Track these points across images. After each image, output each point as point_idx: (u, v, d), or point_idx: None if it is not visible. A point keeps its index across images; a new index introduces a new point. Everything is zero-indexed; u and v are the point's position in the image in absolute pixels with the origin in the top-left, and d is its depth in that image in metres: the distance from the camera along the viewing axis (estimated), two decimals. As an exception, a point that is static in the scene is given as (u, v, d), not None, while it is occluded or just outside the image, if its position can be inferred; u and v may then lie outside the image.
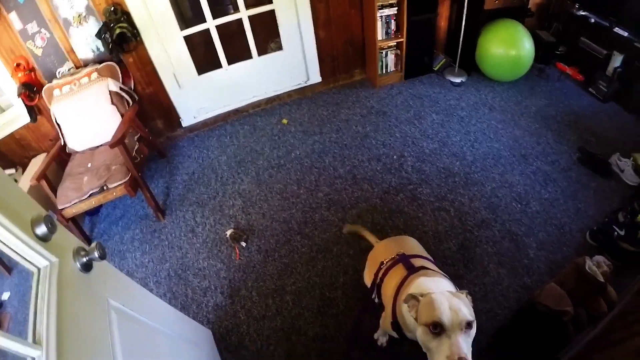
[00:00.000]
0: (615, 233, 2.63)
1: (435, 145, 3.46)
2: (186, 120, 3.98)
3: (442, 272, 1.80)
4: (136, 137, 3.31)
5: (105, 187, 2.84)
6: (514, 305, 2.35)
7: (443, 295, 1.36)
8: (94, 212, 3.34)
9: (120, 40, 3.25)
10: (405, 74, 4.34)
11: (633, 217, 2.63)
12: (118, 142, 2.82)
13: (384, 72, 4.29)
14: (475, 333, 1.30)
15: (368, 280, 2.08)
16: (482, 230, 2.73)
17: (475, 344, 1.27)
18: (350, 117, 3.94)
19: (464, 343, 1.26)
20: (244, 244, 2.80)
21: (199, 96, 3.97)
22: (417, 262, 1.80)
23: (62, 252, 1.09)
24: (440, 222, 2.81)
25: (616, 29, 3.85)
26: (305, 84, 4.30)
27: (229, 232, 2.82)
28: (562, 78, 4.32)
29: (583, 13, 4.16)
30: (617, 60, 3.88)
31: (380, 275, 1.89)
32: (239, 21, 3.76)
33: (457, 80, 4.28)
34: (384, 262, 1.89)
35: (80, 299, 1.10)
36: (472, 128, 3.63)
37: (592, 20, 4.07)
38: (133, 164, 2.95)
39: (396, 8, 3.90)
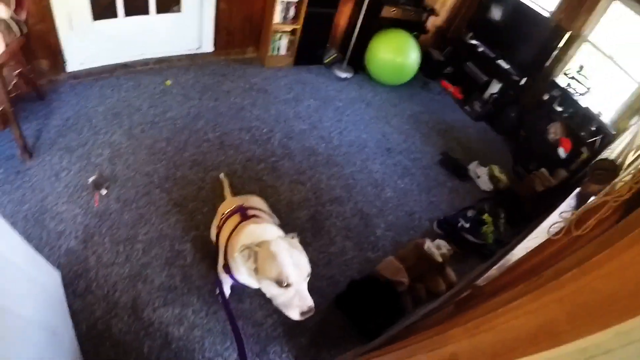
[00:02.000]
0: (460, 224, 3.04)
1: (306, 127, 3.70)
2: (72, 65, 3.81)
3: (273, 218, 2.01)
4: (15, 73, 3.12)
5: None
6: (356, 275, 2.60)
7: (281, 246, 1.49)
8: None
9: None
10: (295, 60, 4.55)
11: (480, 215, 3.06)
12: (-2, 66, 2.65)
13: (275, 53, 4.43)
14: (317, 296, 1.45)
15: (214, 232, 2.22)
16: (335, 206, 2.98)
17: (315, 306, 1.44)
18: (232, 89, 4.03)
19: (306, 290, 1.46)
20: (104, 191, 2.82)
21: (89, 43, 3.82)
22: (251, 212, 1.97)
23: None
24: (295, 194, 3.04)
25: (499, 61, 4.41)
26: (197, 51, 4.32)
27: (91, 179, 2.81)
28: (443, 93, 4.87)
29: (474, 42, 4.71)
30: (495, 87, 4.48)
31: (220, 224, 2.04)
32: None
33: (343, 75, 4.57)
34: (224, 213, 2.07)
35: None
36: (345, 118, 3.91)
37: (481, 49, 4.61)
38: (7, 97, 2.79)
39: (298, -3, 4.04)
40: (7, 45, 2.96)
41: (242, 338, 1.43)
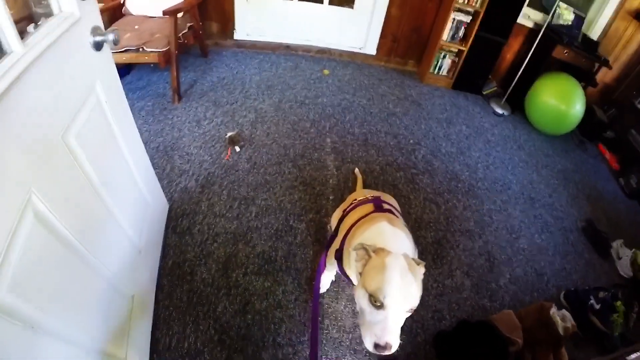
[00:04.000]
0: (591, 303, 2.41)
1: (453, 150, 3.27)
2: (239, 34, 3.83)
3: (406, 226, 1.62)
4: (188, 25, 3.19)
5: (141, 49, 2.70)
6: (464, 317, 2.15)
7: (397, 264, 1.13)
8: (120, 73, 3.24)
9: None
10: (454, 84, 4.15)
11: (613, 300, 2.43)
12: (172, 12, 2.67)
13: (435, 72, 4.10)
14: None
15: (336, 216, 1.90)
16: (464, 238, 2.53)
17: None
18: (387, 94, 3.78)
19: (398, 326, 1.10)
20: (238, 149, 2.65)
21: (260, 17, 3.82)
22: (386, 207, 1.63)
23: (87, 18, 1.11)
24: (427, 212, 2.62)
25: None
26: (359, 51, 4.13)
27: (229, 134, 2.66)
28: (598, 158, 4.08)
29: (643, 108, 3.90)
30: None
31: (348, 209, 1.73)
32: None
33: (500, 111, 4.07)
34: (357, 199, 1.75)
35: (76, 64, 1.06)
36: (494, 153, 3.42)
37: (648, 119, 3.82)
38: (175, 40, 2.81)
39: (470, 17, 3.72)
40: None
41: (318, 336, 1.24)
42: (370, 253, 1.19)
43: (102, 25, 1.21)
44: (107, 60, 1.28)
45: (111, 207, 1.25)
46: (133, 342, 1.39)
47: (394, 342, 1.07)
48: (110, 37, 1.16)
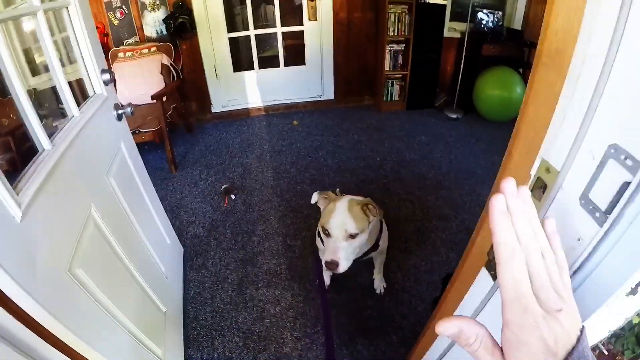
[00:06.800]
0: None
1: (416, 157, 3.62)
2: (216, 107, 4.34)
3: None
4: (172, 106, 3.65)
5: (137, 131, 3.13)
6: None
7: (340, 205, 1.59)
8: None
9: (180, 29, 3.75)
10: (407, 105, 4.59)
11: None
12: (159, 96, 3.14)
13: (389, 99, 4.55)
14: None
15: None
16: (441, 222, 2.76)
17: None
18: (350, 128, 4.20)
19: (343, 250, 1.53)
20: (233, 196, 3.01)
21: (230, 89, 4.35)
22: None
23: (111, 97, 1.58)
24: (403, 210, 2.89)
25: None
26: (320, 98, 4.62)
27: (224, 186, 3.06)
28: None
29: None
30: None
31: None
32: (274, 35, 4.22)
33: (453, 115, 4.45)
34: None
35: (107, 131, 1.51)
36: (455, 151, 3.74)
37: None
38: (164, 119, 3.27)
39: (403, 44, 4.23)
40: (166, 85, 3.51)
41: (331, 322, 1.53)
42: (329, 200, 1.66)
43: (120, 103, 1.65)
44: (125, 129, 1.72)
45: (140, 233, 1.61)
46: (169, 349, 1.64)
47: (340, 261, 1.52)
48: (128, 110, 1.61)
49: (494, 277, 0.77)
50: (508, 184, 0.36)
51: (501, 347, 0.36)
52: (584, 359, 0.32)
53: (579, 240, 0.48)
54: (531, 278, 0.34)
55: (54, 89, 1.26)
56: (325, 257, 1.54)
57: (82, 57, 1.42)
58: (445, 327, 0.37)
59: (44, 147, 1.02)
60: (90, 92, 1.48)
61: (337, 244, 1.54)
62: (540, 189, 0.58)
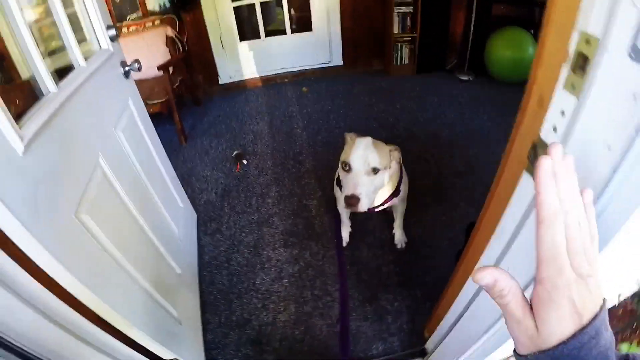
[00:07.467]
0: None
1: (429, 116, 3.53)
2: (223, 78, 4.27)
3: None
4: (179, 78, 3.59)
5: (145, 103, 3.11)
6: None
7: (362, 142, 1.54)
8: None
9: (184, 0, 3.65)
10: (417, 68, 4.45)
11: None
12: (165, 66, 3.08)
13: (398, 62, 4.43)
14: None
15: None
16: (458, 179, 2.69)
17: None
18: (361, 92, 4.11)
19: (364, 186, 1.48)
20: (245, 161, 2.98)
21: (237, 60, 4.27)
22: None
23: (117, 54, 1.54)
24: (418, 168, 2.82)
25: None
26: (328, 65, 4.52)
27: (235, 152, 3.03)
28: None
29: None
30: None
31: None
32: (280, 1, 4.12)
33: (465, 77, 4.33)
34: None
35: (114, 87, 1.47)
36: (468, 111, 3.64)
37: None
38: (172, 90, 3.21)
39: (412, 6, 4.08)
40: (172, 56, 3.44)
41: (347, 288, 1.61)
42: (353, 138, 1.61)
43: (127, 60, 1.60)
44: (134, 89, 1.68)
45: (151, 191, 1.57)
46: (184, 312, 1.58)
47: (361, 196, 1.46)
48: (135, 65, 1.55)
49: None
50: (555, 149, 0.38)
51: (530, 303, 0.38)
52: (604, 325, 0.36)
53: (634, 97, 0.42)
54: (567, 242, 0.36)
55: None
56: (344, 191, 1.50)
57: (87, 12, 1.37)
58: (482, 276, 0.38)
59: (50, 90, 0.98)
60: (96, 47, 1.44)
61: (358, 179, 1.49)
62: (581, 69, 0.52)
